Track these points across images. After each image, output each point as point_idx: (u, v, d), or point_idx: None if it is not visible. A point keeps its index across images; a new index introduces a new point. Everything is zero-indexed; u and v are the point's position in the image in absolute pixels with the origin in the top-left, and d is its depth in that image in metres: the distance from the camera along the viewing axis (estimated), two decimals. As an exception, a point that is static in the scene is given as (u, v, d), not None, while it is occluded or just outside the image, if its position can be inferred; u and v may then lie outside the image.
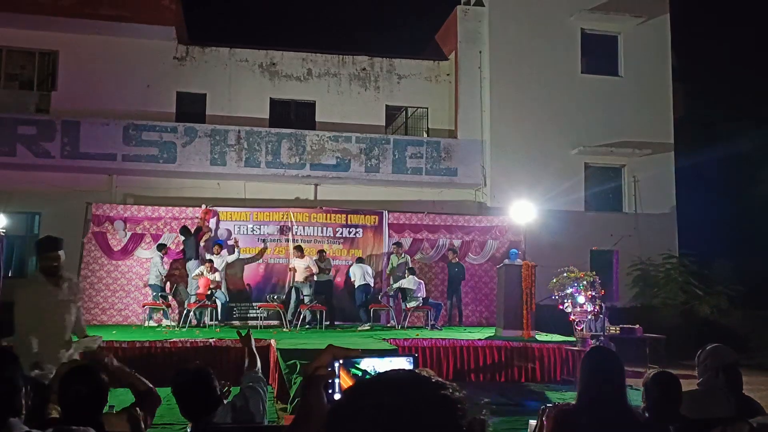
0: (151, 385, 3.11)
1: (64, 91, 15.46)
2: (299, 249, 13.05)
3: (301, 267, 12.74)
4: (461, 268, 13.72)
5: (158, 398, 3.16)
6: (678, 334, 13.44)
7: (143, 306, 12.90)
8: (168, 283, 12.98)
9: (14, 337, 4.60)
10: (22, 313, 4.56)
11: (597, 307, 11.50)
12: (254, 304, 13.26)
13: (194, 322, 12.52)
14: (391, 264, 13.68)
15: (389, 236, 14.33)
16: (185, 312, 12.43)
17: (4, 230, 12.74)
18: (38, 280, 4.67)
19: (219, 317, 12.59)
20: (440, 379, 0.96)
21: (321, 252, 13.34)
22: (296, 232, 13.99)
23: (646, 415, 2.97)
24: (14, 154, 14.20)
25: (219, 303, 12.52)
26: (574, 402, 2.98)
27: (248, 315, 13.26)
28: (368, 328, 12.39)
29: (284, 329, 12.04)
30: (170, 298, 12.96)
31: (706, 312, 15.48)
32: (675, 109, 17.39)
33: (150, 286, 12.74)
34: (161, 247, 12.93)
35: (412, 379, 0.94)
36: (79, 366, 3.00)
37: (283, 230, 13.88)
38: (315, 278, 12.77)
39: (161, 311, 12.87)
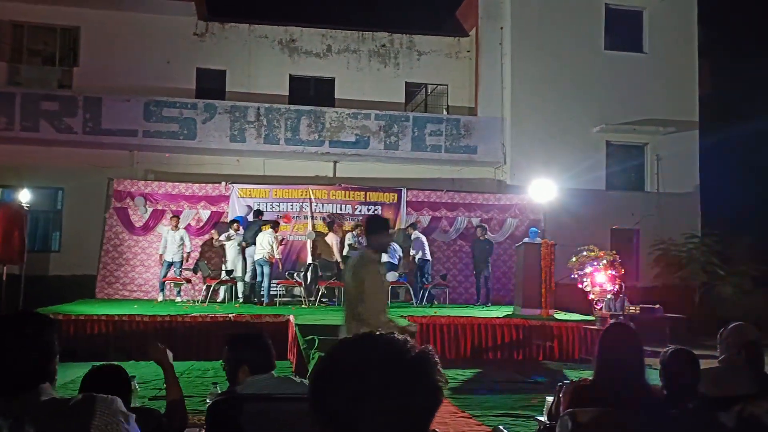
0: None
1: (85, 67, 15.54)
2: (331, 225, 13.06)
3: (334, 243, 12.71)
4: (491, 245, 13.42)
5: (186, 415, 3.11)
6: (699, 315, 13.34)
7: (164, 281, 13.02)
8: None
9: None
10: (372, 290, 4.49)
11: (617, 287, 11.44)
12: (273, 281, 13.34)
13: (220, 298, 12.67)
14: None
15: (408, 214, 14.32)
16: (206, 287, 12.56)
17: (28, 205, 12.91)
18: (372, 258, 4.56)
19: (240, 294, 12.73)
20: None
21: (359, 226, 13.31)
22: (315, 209, 14.03)
23: (664, 392, 2.94)
24: (37, 129, 14.33)
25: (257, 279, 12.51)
26: (591, 378, 2.96)
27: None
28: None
29: (303, 305, 12.13)
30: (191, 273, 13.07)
31: (728, 292, 15.31)
32: (700, 86, 17.05)
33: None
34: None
35: (390, 340, 1.10)
36: (105, 365, 3.02)
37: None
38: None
39: (177, 286, 12.96)
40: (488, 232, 13.87)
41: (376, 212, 14.18)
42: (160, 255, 12.73)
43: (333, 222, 13.25)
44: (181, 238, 12.72)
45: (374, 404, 1.02)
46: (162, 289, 12.81)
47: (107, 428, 1.81)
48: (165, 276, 12.72)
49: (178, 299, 12.64)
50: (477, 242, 13.45)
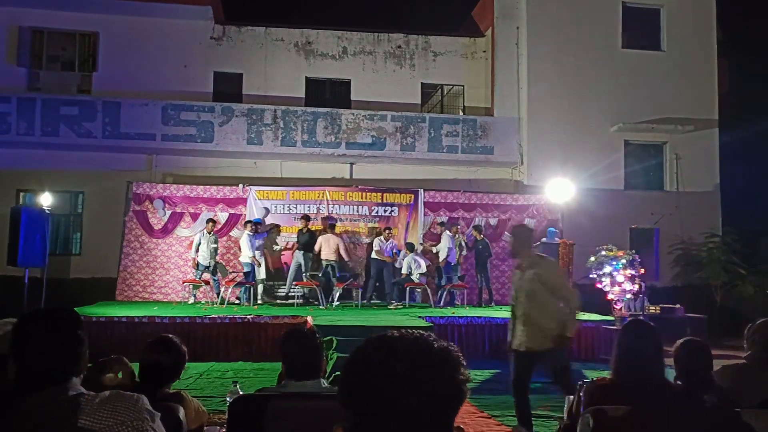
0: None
1: (104, 71, 15.71)
2: (332, 226, 13.07)
3: (332, 244, 12.69)
4: (485, 246, 13.26)
5: None
6: (720, 315, 13.19)
7: (183, 282, 13.10)
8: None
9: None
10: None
11: (636, 286, 11.34)
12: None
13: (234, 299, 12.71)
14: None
15: (425, 215, 14.30)
16: (223, 289, 12.62)
17: (49, 209, 13.07)
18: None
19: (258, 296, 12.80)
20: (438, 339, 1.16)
21: (389, 230, 13.32)
22: (331, 211, 14.07)
23: (680, 384, 2.92)
24: (57, 134, 14.52)
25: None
26: (610, 376, 2.95)
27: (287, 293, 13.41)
28: (401, 306, 12.41)
29: (320, 306, 12.16)
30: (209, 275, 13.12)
31: (750, 291, 15.11)
32: (719, 84, 16.87)
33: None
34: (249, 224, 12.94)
35: (416, 337, 1.14)
36: (161, 337, 3.08)
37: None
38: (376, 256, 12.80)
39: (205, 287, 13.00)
40: (506, 232, 13.73)
41: (393, 213, 14.17)
42: (193, 258, 12.74)
43: (334, 223, 13.26)
44: (216, 242, 12.80)
45: (400, 394, 1.05)
46: (194, 292, 12.89)
47: (133, 425, 1.83)
48: (199, 278, 12.72)
49: (199, 299, 12.62)
50: (476, 243, 13.33)
